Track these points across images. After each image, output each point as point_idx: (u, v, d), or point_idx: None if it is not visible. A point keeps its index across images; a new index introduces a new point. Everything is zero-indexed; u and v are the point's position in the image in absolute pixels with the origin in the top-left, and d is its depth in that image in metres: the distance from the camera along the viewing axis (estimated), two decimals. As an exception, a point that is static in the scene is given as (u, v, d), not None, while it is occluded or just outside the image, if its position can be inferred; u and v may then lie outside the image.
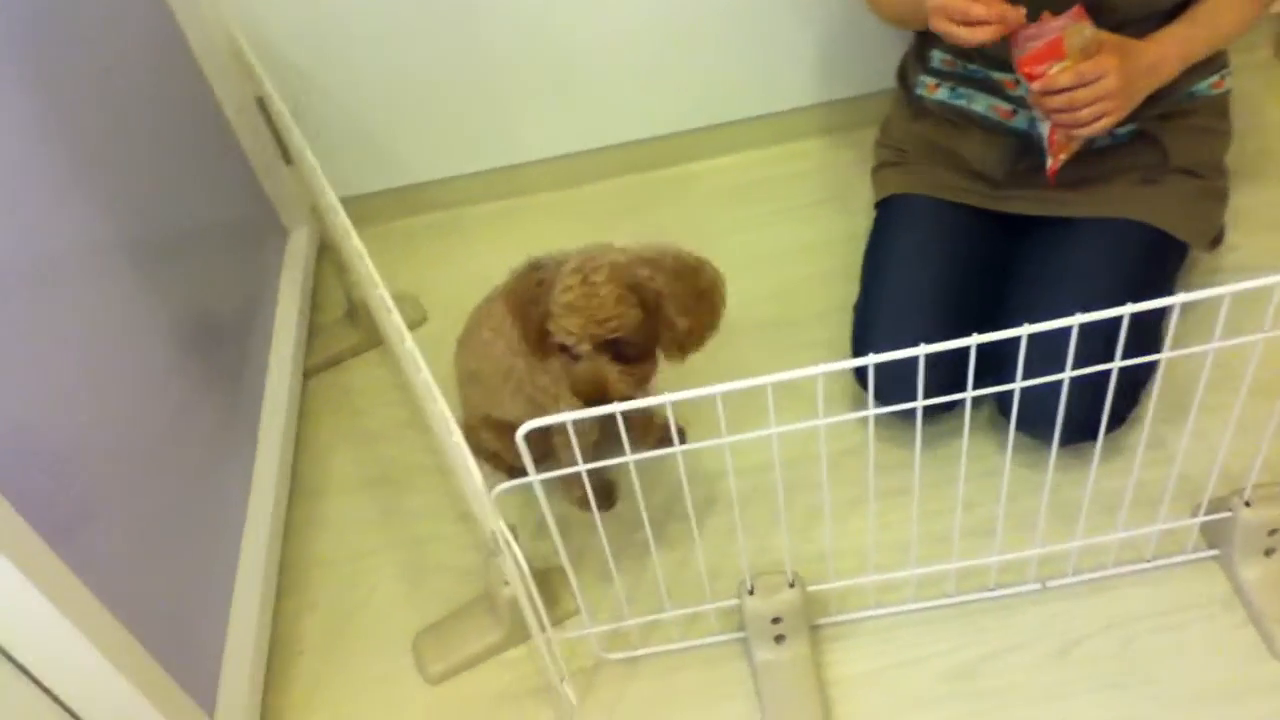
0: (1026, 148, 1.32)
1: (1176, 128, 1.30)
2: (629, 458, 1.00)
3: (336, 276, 1.75)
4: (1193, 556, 1.20)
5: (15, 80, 1.07)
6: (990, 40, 1.14)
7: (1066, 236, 1.30)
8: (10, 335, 0.95)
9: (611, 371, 1.11)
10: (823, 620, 1.21)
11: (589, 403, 1.12)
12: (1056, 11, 1.14)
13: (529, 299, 1.12)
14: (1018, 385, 0.96)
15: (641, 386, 1.13)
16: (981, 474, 1.23)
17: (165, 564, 1.14)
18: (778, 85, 1.78)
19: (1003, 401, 1.29)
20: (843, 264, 1.52)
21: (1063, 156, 1.24)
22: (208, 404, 1.31)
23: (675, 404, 0.93)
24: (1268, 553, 1.16)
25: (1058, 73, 1.14)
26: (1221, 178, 1.36)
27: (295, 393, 1.53)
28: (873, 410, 0.99)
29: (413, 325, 1.66)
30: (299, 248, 1.71)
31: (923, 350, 0.89)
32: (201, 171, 1.49)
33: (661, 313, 1.10)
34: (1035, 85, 1.15)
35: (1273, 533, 1.14)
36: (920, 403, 0.96)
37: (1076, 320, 0.89)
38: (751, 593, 1.15)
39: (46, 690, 0.94)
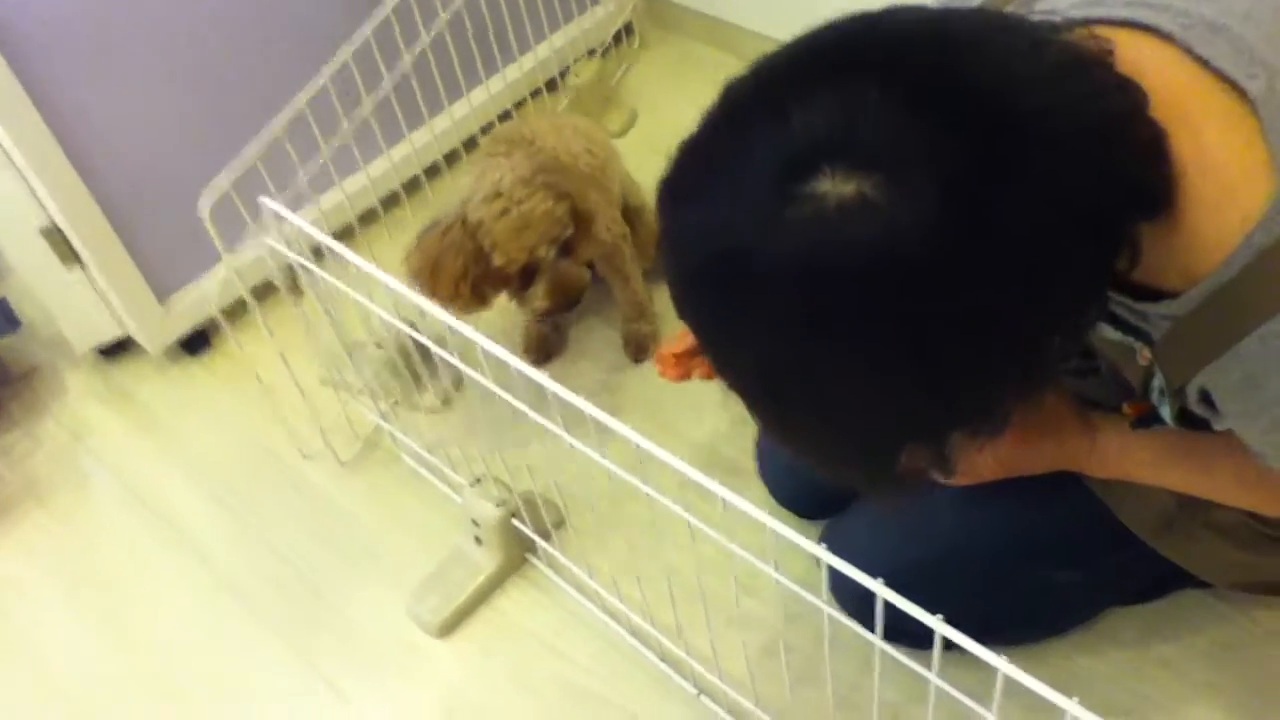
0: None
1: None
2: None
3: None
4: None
5: None
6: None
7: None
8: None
9: (573, 269, 1.21)
10: (533, 560, 1.23)
11: (568, 303, 1.22)
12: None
13: (445, 251, 1.17)
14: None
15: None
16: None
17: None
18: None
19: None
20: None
21: None
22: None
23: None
24: None
25: None
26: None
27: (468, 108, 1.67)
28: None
29: (621, 131, 1.75)
30: (597, 18, 1.80)
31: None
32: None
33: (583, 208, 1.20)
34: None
35: None
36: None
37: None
38: (473, 486, 1.19)
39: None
